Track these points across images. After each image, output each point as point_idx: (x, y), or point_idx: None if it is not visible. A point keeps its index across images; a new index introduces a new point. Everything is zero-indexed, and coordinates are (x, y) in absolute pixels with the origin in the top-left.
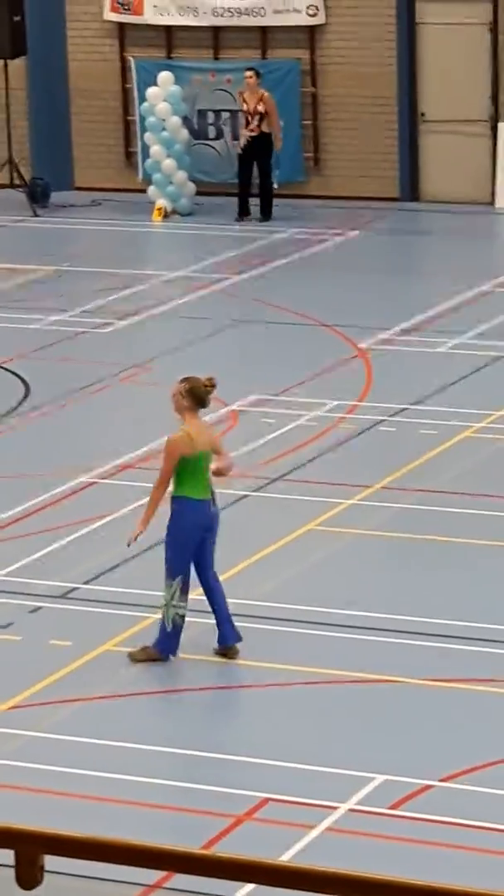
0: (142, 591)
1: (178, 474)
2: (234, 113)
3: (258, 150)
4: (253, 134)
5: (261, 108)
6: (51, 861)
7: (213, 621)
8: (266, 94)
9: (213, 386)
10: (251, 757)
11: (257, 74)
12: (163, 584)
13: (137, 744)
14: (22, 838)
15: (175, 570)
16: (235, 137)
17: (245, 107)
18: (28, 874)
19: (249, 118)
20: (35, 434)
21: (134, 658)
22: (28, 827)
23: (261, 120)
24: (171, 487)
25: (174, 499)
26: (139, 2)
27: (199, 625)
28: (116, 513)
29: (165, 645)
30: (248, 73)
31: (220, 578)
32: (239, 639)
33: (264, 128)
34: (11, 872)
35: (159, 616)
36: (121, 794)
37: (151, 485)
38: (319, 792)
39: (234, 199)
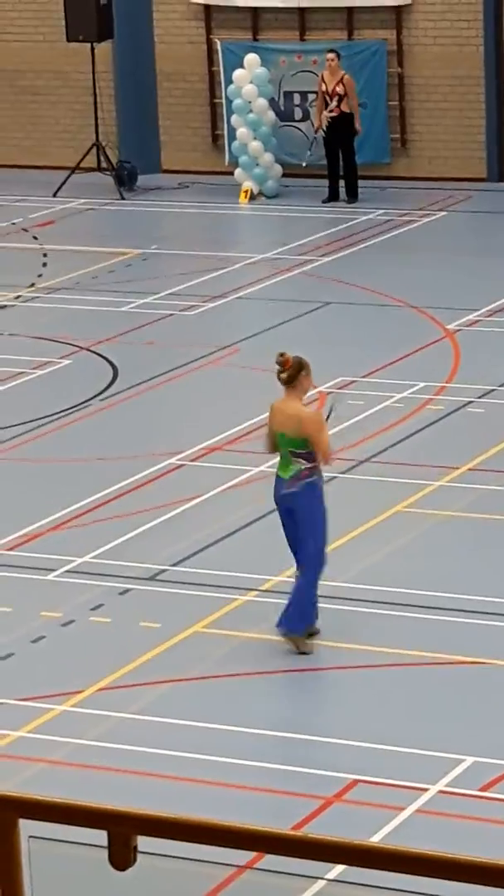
0: (230, 572)
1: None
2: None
3: (340, 131)
4: (334, 115)
5: (339, 89)
6: (143, 842)
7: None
8: (347, 75)
9: (279, 363)
10: (340, 739)
11: (338, 56)
12: (250, 565)
13: (226, 725)
14: (115, 819)
15: None
16: (306, 116)
17: (324, 87)
18: (121, 855)
19: (328, 99)
20: (123, 417)
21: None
22: (120, 808)
23: (340, 100)
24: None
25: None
26: None
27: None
28: (204, 495)
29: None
30: (330, 56)
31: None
32: (285, 627)
33: (344, 108)
34: (104, 853)
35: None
36: (210, 776)
37: (238, 467)
38: (409, 773)
39: (320, 181)
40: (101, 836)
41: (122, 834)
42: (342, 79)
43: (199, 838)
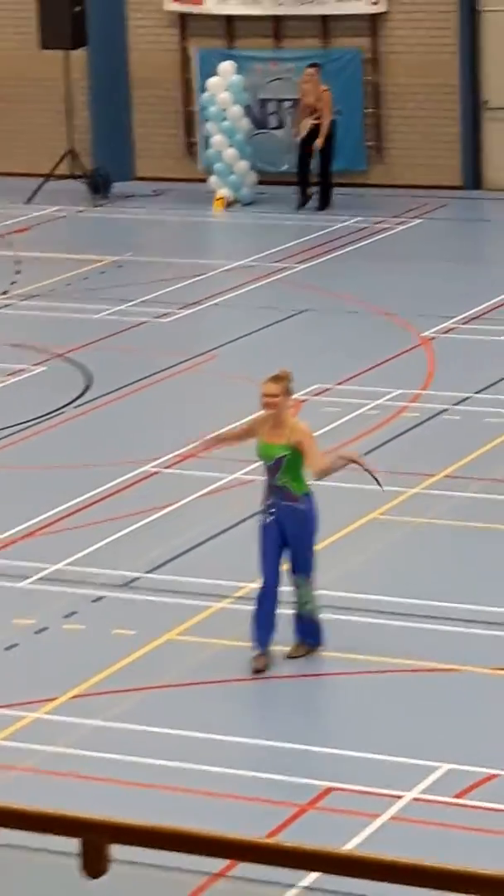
0: (205, 580)
1: (300, 469)
2: (296, 102)
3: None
4: (316, 123)
5: (319, 104)
6: (116, 850)
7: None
8: (325, 90)
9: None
10: (314, 746)
11: (319, 69)
12: (225, 573)
13: (200, 733)
14: (88, 827)
15: (313, 566)
16: (282, 124)
17: (305, 100)
18: (94, 863)
19: (311, 110)
20: (97, 424)
21: (294, 656)
22: (94, 816)
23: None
24: (295, 484)
25: (308, 496)
26: None
27: None
28: (179, 502)
29: (321, 635)
30: (310, 71)
31: (283, 567)
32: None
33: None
34: (77, 861)
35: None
36: (185, 783)
37: (213, 474)
38: (383, 781)
39: (296, 188)
40: (74, 845)
41: (96, 842)
42: (320, 94)
43: (173, 846)
